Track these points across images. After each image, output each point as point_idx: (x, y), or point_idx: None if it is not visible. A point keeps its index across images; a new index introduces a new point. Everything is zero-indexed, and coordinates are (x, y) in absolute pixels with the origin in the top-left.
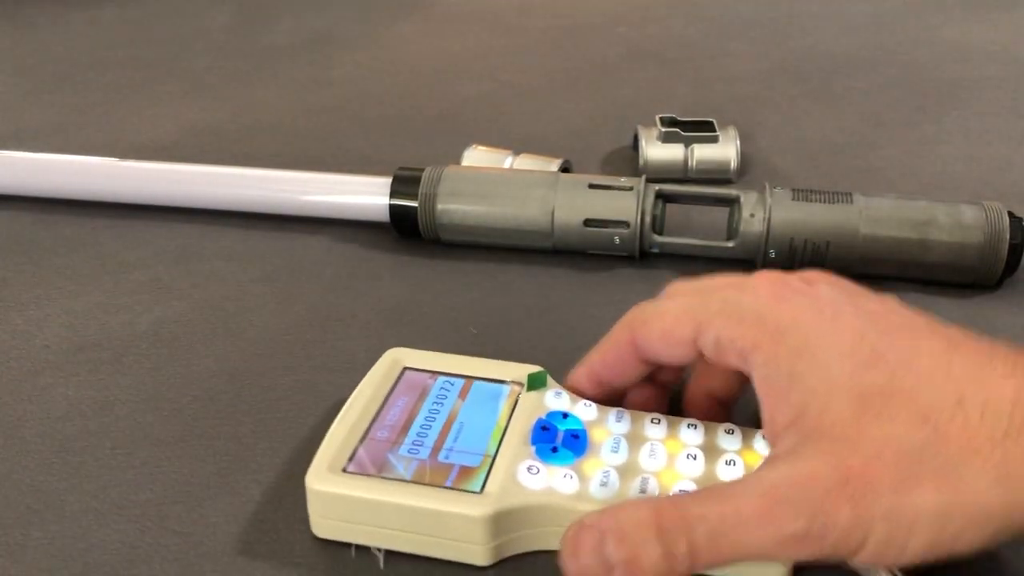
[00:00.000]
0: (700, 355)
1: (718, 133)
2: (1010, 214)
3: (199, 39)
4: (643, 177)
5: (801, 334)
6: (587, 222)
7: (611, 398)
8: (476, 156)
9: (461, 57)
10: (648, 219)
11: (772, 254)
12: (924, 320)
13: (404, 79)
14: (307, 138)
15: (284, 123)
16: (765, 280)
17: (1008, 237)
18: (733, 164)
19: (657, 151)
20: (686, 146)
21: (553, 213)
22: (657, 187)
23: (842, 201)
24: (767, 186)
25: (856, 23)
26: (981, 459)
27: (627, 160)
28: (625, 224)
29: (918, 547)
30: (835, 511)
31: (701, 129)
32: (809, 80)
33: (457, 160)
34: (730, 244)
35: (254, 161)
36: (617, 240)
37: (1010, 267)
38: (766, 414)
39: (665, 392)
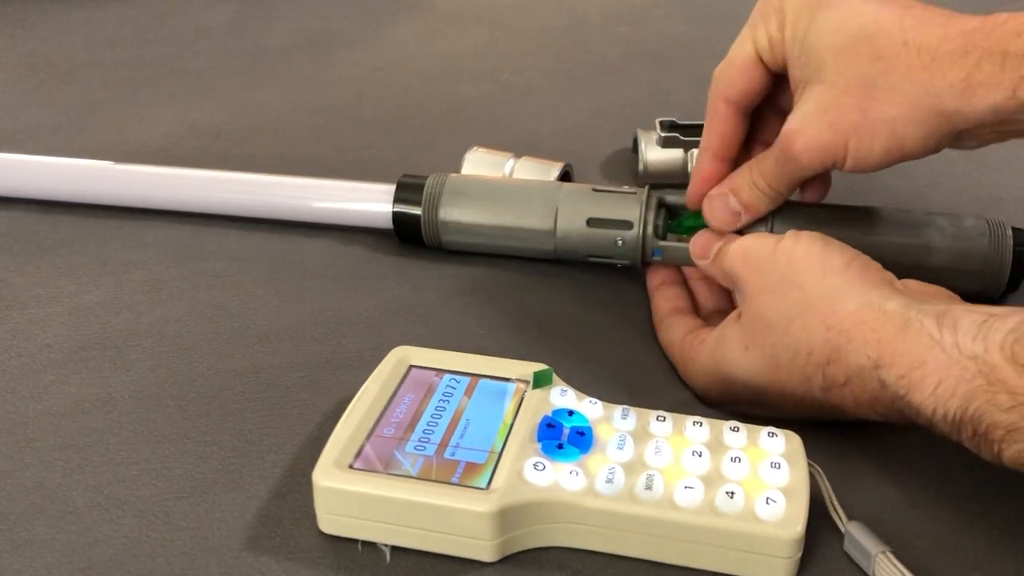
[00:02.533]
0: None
1: None
2: (1014, 228)
3: (199, 39)
4: (647, 187)
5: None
6: (590, 221)
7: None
8: (478, 158)
9: (461, 57)
10: (651, 227)
11: None
12: None
13: (404, 79)
14: (307, 139)
15: (284, 123)
16: None
17: (1011, 253)
18: None
19: (657, 155)
20: (685, 151)
21: (556, 214)
22: (660, 195)
23: (845, 211)
24: None
25: None
26: (915, 81)
27: (627, 163)
28: (628, 224)
29: (880, 150)
30: (821, 136)
31: (701, 133)
32: None
33: (458, 160)
34: None
35: (254, 161)
36: (620, 242)
37: (1014, 280)
38: (791, 77)
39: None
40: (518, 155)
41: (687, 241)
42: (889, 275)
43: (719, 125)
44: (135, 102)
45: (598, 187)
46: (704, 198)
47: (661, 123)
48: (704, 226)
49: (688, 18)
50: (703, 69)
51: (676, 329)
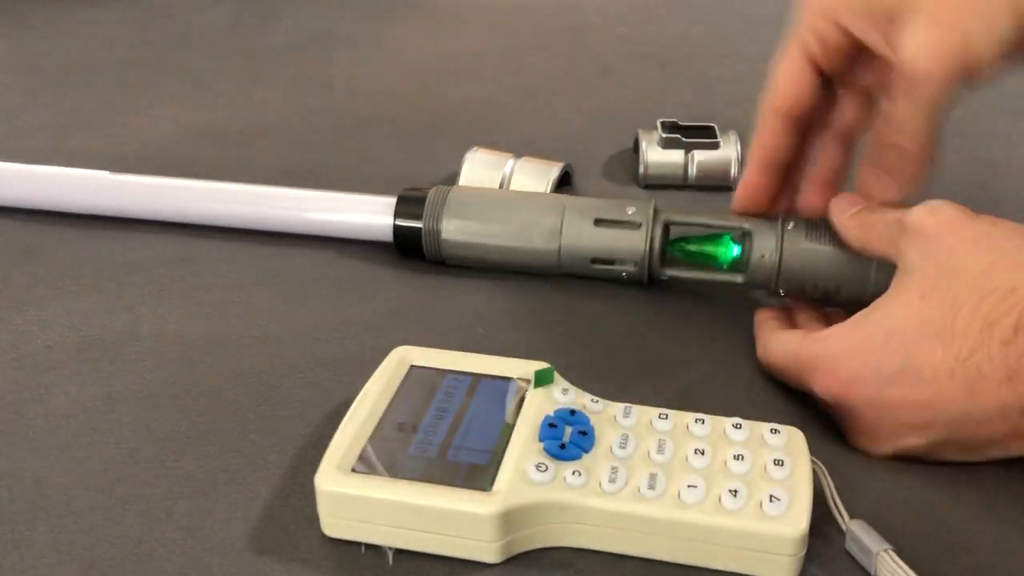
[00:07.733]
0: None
1: (719, 140)
2: None
3: (199, 39)
4: (651, 205)
5: None
6: (594, 260)
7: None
8: (478, 158)
9: (461, 57)
10: (656, 252)
11: (781, 292)
12: None
13: (404, 79)
14: (307, 139)
15: (284, 124)
16: None
17: None
18: (733, 171)
19: (657, 156)
20: (686, 152)
21: (560, 246)
22: (665, 218)
23: None
24: (780, 220)
25: None
26: None
27: (628, 163)
28: (633, 261)
29: (1005, 16)
30: (940, 32)
31: (702, 134)
32: None
33: (458, 161)
34: (739, 279)
35: (254, 163)
36: (624, 275)
37: None
38: (873, 42)
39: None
40: (518, 156)
41: (690, 267)
42: None
43: (765, 137)
44: (135, 102)
45: (601, 216)
46: (810, 211)
47: (662, 124)
48: (708, 249)
49: (688, 18)
50: (703, 70)
51: (792, 333)
